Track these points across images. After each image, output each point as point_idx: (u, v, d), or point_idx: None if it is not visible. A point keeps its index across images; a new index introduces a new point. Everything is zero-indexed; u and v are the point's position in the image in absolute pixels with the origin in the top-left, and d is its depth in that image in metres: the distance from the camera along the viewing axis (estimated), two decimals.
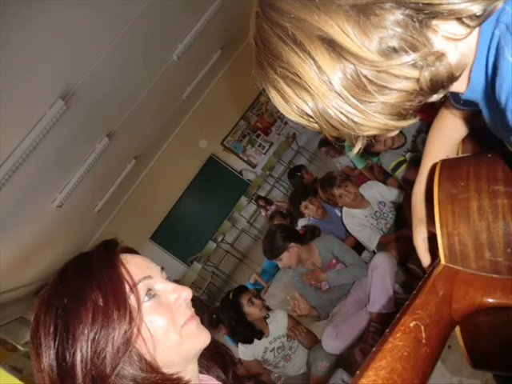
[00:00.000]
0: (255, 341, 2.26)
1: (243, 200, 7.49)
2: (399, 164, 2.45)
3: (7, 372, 2.38)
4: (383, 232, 2.57)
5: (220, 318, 2.58)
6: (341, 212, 2.76)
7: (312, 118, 0.50)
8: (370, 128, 0.49)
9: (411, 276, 2.17)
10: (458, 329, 0.65)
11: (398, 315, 0.55)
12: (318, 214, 3.11)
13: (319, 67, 0.45)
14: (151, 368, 0.56)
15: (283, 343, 2.31)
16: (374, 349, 0.50)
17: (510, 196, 0.62)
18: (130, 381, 0.54)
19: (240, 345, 2.32)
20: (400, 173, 2.44)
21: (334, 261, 2.44)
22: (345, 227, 2.67)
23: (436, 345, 0.52)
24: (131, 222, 7.28)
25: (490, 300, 0.59)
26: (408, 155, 2.46)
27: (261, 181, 7.61)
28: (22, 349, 4.19)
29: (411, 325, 0.52)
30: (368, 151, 2.78)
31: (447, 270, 0.63)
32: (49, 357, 0.54)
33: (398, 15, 0.42)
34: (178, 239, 7.63)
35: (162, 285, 0.61)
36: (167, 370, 0.58)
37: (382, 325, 2.07)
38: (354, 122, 0.48)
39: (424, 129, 2.40)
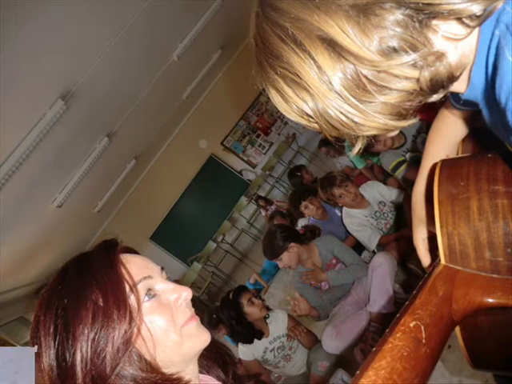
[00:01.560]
0: (255, 341, 2.26)
1: (243, 200, 7.49)
2: (399, 164, 2.45)
3: None
4: (383, 232, 2.56)
5: (220, 318, 2.58)
6: (341, 212, 2.76)
7: (312, 117, 0.50)
8: (370, 128, 0.49)
9: (411, 276, 2.16)
10: (457, 329, 0.65)
11: (397, 315, 0.55)
12: (318, 214, 3.11)
13: (319, 67, 0.45)
14: (151, 368, 0.56)
15: (283, 343, 2.31)
16: (374, 349, 0.50)
17: (510, 196, 0.62)
18: (129, 381, 0.54)
19: (240, 345, 2.32)
20: (400, 173, 2.44)
21: (334, 261, 2.44)
22: (345, 227, 2.67)
23: (436, 345, 0.52)
24: (131, 222, 7.29)
25: (490, 300, 0.59)
26: (408, 155, 2.46)
27: (261, 181, 7.61)
28: None
29: (411, 325, 0.52)
30: (368, 151, 2.78)
31: (447, 269, 0.63)
32: (49, 357, 0.54)
33: (398, 15, 0.42)
34: (177, 239, 7.63)
35: (162, 285, 0.61)
36: (167, 369, 0.58)
37: (381, 325, 2.07)
38: (354, 121, 0.48)
39: (424, 129, 2.40)
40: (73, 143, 4.09)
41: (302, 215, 3.29)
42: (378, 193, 2.62)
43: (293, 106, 0.51)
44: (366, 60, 0.44)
